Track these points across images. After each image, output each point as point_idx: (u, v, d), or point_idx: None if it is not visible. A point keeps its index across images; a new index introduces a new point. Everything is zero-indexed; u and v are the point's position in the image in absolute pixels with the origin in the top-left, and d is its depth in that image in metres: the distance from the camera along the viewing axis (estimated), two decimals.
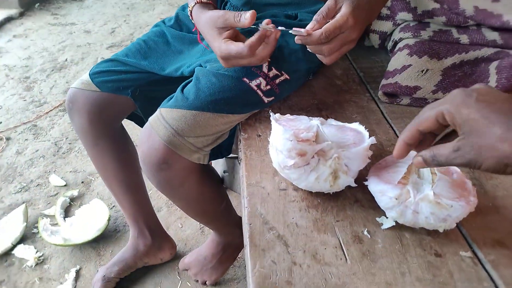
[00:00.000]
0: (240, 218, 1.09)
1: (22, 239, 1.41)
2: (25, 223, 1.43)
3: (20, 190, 1.62)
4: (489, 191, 0.62)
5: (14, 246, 1.37)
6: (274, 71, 0.77)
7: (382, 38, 0.96)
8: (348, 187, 0.58)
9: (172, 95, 0.77)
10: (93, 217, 1.44)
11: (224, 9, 0.95)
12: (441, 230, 0.53)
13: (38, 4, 3.47)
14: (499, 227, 0.56)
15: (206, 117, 0.72)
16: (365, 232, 0.55)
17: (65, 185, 1.64)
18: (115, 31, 3.05)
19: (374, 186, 0.56)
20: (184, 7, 1.01)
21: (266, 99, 0.77)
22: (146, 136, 0.74)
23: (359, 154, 0.56)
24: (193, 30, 0.93)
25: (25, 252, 1.35)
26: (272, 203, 0.60)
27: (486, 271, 0.50)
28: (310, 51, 0.67)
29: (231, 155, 0.96)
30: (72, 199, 1.58)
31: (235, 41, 0.68)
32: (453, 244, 0.54)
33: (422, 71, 0.81)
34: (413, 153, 0.56)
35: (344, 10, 0.62)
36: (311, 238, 0.54)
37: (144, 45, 0.94)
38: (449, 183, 0.54)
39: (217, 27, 0.69)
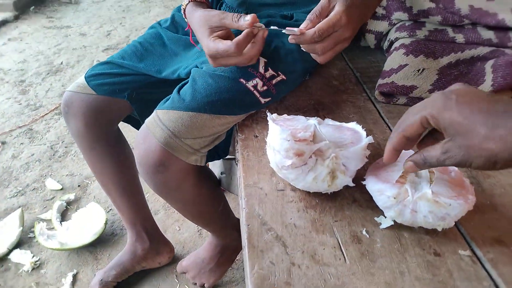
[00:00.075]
0: (238, 220, 1.09)
1: (18, 244, 1.40)
2: (21, 228, 1.42)
3: (16, 194, 1.61)
4: (487, 189, 0.62)
5: (10, 251, 1.36)
6: (270, 72, 0.77)
7: (378, 38, 0.96)
8: (346, 187, 0.58)
9: (168, 96, 0.77)
10: (90, 220, 1.43)
11: (219, 9, 0.95)
12: (439, 229, 0.53)
13: (33, 7, 3.46)
14: (498, 225, 0.56)
15: (203, 119, 0.71)
16: (364, 232, 0.55)
17: (61, 189, 1.64)
18: (111, 34, 3.04)
19: (372, 185, 0.56)
20: (179, 8, 1.00)
21: (263, 100, 0.77)
22: (143, 138, 0.74)
23: (357, 154, 0.56)
24: (186, 29, 0.93)
25: (22, 257, 1.34)
26: (270, 204, 0.59)
27: (485, 269, 0.50)
28: (304, 50, 0.67)
29: (228, 157, 0.96)
30: (69, 203, 1.57)
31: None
32: (452, 243, 0.54)
33: (418, 70, 0.81)
34: (409, 152, 0.56)
35: (338, 8, 0.62)
36: (310, 238, 0.54)
37: (140, 47, 0.94)
38: (447, 182, 0.53)
39: (211, 26, 0.69)
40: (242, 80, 0.74)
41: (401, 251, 0.52)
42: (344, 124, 0.65)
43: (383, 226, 0.55)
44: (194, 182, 0.82)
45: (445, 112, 0.43)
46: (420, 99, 0.82)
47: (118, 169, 1.07)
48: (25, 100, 2.20)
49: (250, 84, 0.75)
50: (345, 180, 0.56)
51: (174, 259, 1.34)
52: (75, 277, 1.30)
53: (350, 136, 0.61)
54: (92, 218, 1.44)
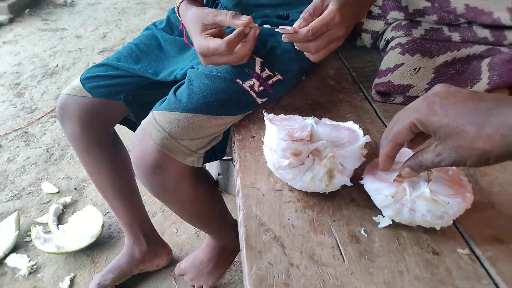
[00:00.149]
0: (236, 221, 1.09)
1: (15, 248, 1.39)
2: (17, 232, 1.41)
3: (11, 198, 1.60)
4: (485, 188, 0.62)
5: (6, 255, 1.35)
6: (267, 72, 0.76)
7: (374, 38, 0.96)
8: (344, 186, 0.58)
9: (164, 97, 0.76)
10: (87, 224, 1.42)
11: None
12: (438, 228, 0.53)
13: (28, 9, 3.45)
14: (496, 223, 0.56)
15: (199, 120, 0.71)
16: (362, 232, 0.55)
17: (57, 192, 1.63)
18: (107, 36, 3.03)
19: (370, 184, 0.56)
20: (175, 9, 1.00)
21: (259, 100, 0.76)
22: (139, 140, 0.73)
23: (354, 153, 0.56)
24: (179, 28, 0.93)
25: (18, 261, 1.33)
26: (268, 204, 0.59)
27: (484, 268, 0.50)
28: (297, 48, 0.67)
29: (225, 157, 0.95)
30: (65, 206, 1.56)
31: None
32: (450, 241, 0.53)
33: (414, 69, 0.81)
34: (405, 150, 0.56)
35: (331, 7, 0.62)
36: (308, 238, 0.54)
37: (136, 49, 0.93)
38: (445, 180, 0.53)
39: (204, 23, 0.69)
40: (238, 80, 0.74)
41: (400, 250, 0.52)
42: (341, 123, 0.65)
43: (381, 225, 0.55)
44: (191, 183, 0.82)
45: (432, 116, 0.45)
46: (416, 98, 0.81)
47: (114, 172, 1.06)
48: (21, 103, 2.19)
49: (246, 85, 0.74)
50: (342, 179, 0.56)
51: (172, 262, 1.33)
52: (72, 280, 1.29)
53: (347, 135, 0.60)
54: (89, 221, 1.43)
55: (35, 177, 1.70)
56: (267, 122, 0.59)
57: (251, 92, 0.75)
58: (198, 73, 0.75)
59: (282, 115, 0.65)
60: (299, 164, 0.55)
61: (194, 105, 0.71)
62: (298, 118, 0.64)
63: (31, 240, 1.39)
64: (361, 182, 0.57)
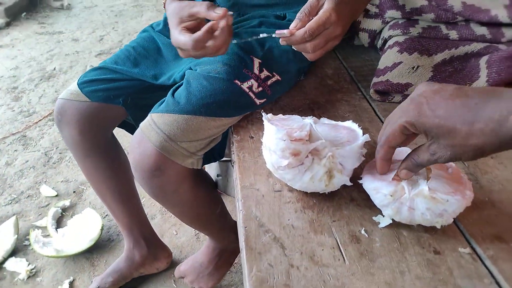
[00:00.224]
0: (235, 222, 1.08)
1: (14, 252, 1.38)
2: (16, 236, 1.40)
3: (10, 202, 1.59)
4: (485, 186, 0.62)
5: (5, 259, 1.34)
6: (265, 73, 0.76)
7: (372, 37, 0.96)
8: (344, 186, 0.58)
9: (163, 99, 0.76)
10: (86, 227, 1.41)
11: None
12: (438, 226, 0.52)
13: (25, 13, 3.44)
14: (497, 222, 0.56)
15: (198, 121, 0.71)
16: (363, 232, 0.54)
17: (56, 196, 1.62)
18: (104, 39, 3.03)
19: (369, 183, 0.55)
20: None
21: (258, 101, 0.76)
22: (138, 143, 0.73)
23: (354, 152, 0.56)
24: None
25: (17, 265, 1.32)
26: (267, 205, 0.59)
27: (486, 266, 0.50)
28: (295, 49, 0.67)
29: (224, 159, 0.95)
30: (64, 210, 1.55)
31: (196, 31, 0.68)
32: (451, 240, 0.53)
33: (413, 68, 0.81)
34: (402, 149, 0.56)
35: (327, 6, 0.62)
36: (308, 239, 0.53)
37: (134, 51, 0.92)
38: (444, 178, 0.53)
39: (181, 16, 0.69)
40: (237, 81, 0.73)
41: (401, 250, 0.52)
42: (340, 123, 0.65)
43: (382, 225, 0.55)
44: (190, 185, 0.81)
45: (421, 118, 0.45)
46: None
47: (113, 176, 1.05)
48: (18, 107, 2.18)
49: (245, 86, 0.74)
50: (342, 179, 0.56)
51: (172, 264, 1.32)
52: (71, 284, 1.29)
53: (346, 134, 0.60)
54: (88, 224, 1.42)
55: (33, 180, 1.70)
56: (265, 122, 0.59)
57: (250, 93, 0.74)
58: (196, 75, 0.74)
59: (280, 115, 0.65)
60: (299, 164, 0.55)
61: (193, 106, 0.70)
62: (296, 118, 0.64)
63: (30, 244, 1.38)
64: (360, 181, 0.57)
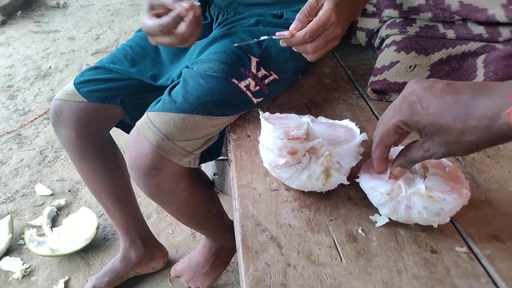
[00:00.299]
0: (232, 221, 1.08)
1: (8, 251, 1.37)
2: (11, 235, 1.39)
3: (5, 200, 1.58)
4: (482, 185, 0.62)
5: None
6: (262, 71, 0.76)
7: (369, 36, 0.95)
8: (341, 185, 0.58)
9: (159, 98, 0.75)
10: (81, 226, 1.41)
11: (208, 9, 0.94)
12: (435, 225, 0.52)
13: (20, 12, 3.42)
14: (494, 221, 0.55)
15: (195, 120, 0.70)
16: (360, 231, 0.54)
17: (51, 194, 1.61)
18: (100, 38, 3.01)
19: (365, 182, 0.55)
20: None
21: (255, 100, 0.76)
22: (134, 141, 0.72)
23: (351, 151, 0.55)
24: None
25: (11, 264, 1.32)
26: (264, 204, 0.58)
27: (483, 266, 0.50)
28: (295, 50, 0.67)
29: (220, 157, 0.95)
30: (59, 208, 1.55)
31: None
32: (448, 239, 0.53)
33: (410, 67, 0.81)
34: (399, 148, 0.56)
35: (326, 7, 0.62)
36: (305, 238, 0.53)
37: (131, 51, 0.91)
38: (441, 177, 0.53)
39: (152, 3, 0.70)
40: (234, 80, 0.73)
41: (398, 249, 0.52)
42: (337, 121, 0.64)
43: (379, 224, 0.55)
44: (187, 184, 0.81)
45: (414, 117, 0.45)
46: None
47: (110, 177, 1.04)
48: (13, 105, 2.17)
49: (242, 84, 0.74)
50: (339, 178, 0.56)
51: (168, 263, 1.32)
52: (67, 283, 1.28)
53: (344, 133, 0.60)
54: (83, 223, 1.41)
55: (28, 179, 1.68)
56: (263, 121, 0.59)
57: (247, 92, 0.74)
58: (193, 73, 0.74)
59: (277, 114, 0.65)
60: (296, 162, 0.54)
61: (190, 105, 0.70)
62: (294, 116, 0.64)
63: (24, 243, 1.37)
64: (357, 180, 0.57)
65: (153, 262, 1.25)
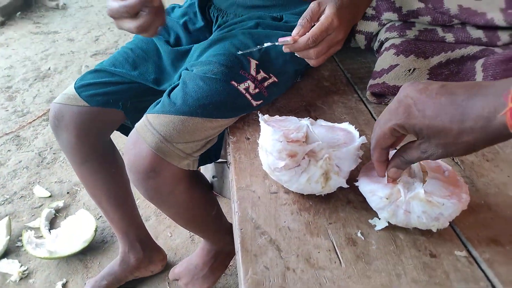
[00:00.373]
0: (231, 224, 1.07)
1: (6, 253, 1.36)
2: (9, 237, 1.39)
3: (3, 202, 1.57)
4: (481, 189, 0.62)
5: None
6: (262, 74, 0.76)
7: (368, 39, 0.96)
8: (340, 188, 0.57)
9: (158, 100, 0.75)
10: (80, 228, 1.40)
11: (208, 11, 0.94)
12: (434, 230, 0.52)
13: (20, 13, 3.42)
14: (493, 225, 0.55)
15: (194, 122, 0.70)
16: (359, 234, 0.54)
17: (50, 196, 1.60)
18: (99, 39, 3.01)
19: (365, 186, 0.55)
20: (168, 11, 0.99)
21: (254, 103, 0.76)
22: (133, 144, 0.72)
23: (350, 154, 0.55)
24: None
25: (9, 267, 1.31)
26: (263, 206, 0.58)
27: (482, 270, 0.50)
28: (298, 55, 0.67)
29: (219, 160, 0.94)
30: (57, 210, 1.54)
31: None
32: (448, 243, 0.53)
33: (409, 70, 0.81)
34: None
35: (328, 11, 0.62)
36: (304, 241, 0.53)
37: (132, 53, 0.90)
38: (441, 181, 0.53)
39: None
40: (233, 82, 0.73)
41: (397, 253, 0.52)
42: (336, 124, 0.64)
43: (378, 227, 0.55)
44: (186, 187, 0.81)
45: (411, 120, 0.45)
46: None
47: (110, 181, 1.03)
48: (12, 107, 2.17)
49: (241, 87, 0.74)
50: (338, 181, 0.56)
51: (166, 266, 1.31)
52: (64, 286, 1.27)
53: (343, 136, 0.60)
54: (81, 226, 1.41)
55: (27, 181, 1.68)
56: (262, 123, 0.58)
57: (246, 94, 0.74)
58: (193, 75, 0.74)
59: (277, 116, 0.65)
60: (295, 165, 0.54)
61: (189, 107, 0.70)
62: (293, 119, 0.64)
63: (22, 245, 1.37)
64: (356, 184, 0.57)
65: (151, 265, 1.25)
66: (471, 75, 0.78)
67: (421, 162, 0.55)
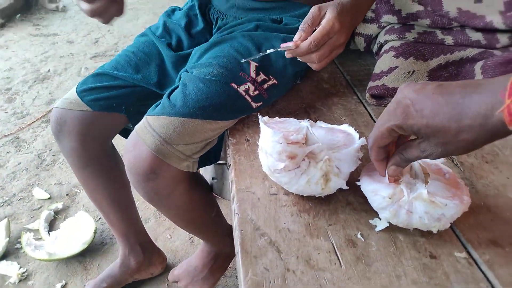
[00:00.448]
0: (231, 226, 1.07)
1: (5, 255, 1.36)
2: (8, 238, 1.38)
3: (2, 204, 1.57)
4: (481, 191, 0.62)
5: None
6: (262, 76, 0.76)
7: (368, 41, 0.96)
8: (340, 190, 0.58)
9: (158, 102, 0.75)
10: (79, 230, 1.40)
11: (208, 13, 0.94)
12: (435, 231, 0.52)
13: (19, 15, 3.42)
14: (492, 226, 0.56)
15: (194, 124, 0.70)
16: (359, 235, 0.54)
17: (49, 198, 1.60)
18: (99, 41, 3.01)
19: (367, 185, 0.55)
20: (168, 13, 0.99)
21: (254, 105, 0.76)
22: (133, 145, 0.72)
23: (350, 155, 0.56)
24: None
25: (8, 269, 1.31)
26: (263, 208, 0.58)
27: (482, 271, 0.50)
28: (300, 60, 0.67)
29: (219, 162, 0.94)
30: (57, 212, 1.54)
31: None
32: (447, 245, 0.53)
33: (408, 72, 0.81)
34: None
35: (329, 15, 0.62)
36: (304, 243, 0.53)
37: (134, 57, 0.90)
38: (443, 183, 0.53)
39: None
40: (233, 84, 0.73)
41: (397, 254, 0.52)
42: (336, 126, 0.65)
43: (378, 228, 0.55)
44: (186, 188, 0.81)
45: (409, 120, 0.45)
46: None
47: (111, 185, 1.03)
48: (11, 108, 2.16)
49: (241, 89, 0.74)
50: (338, 182, 0.56)
51: (166, 268, 1.31)
52: None
53: (343, 138, 0.60)
54: (81, 227, 1.41)
55: (26, 183, 1.68)
56: (262, 125, 0.59)
57: (246, 96, 0.74)
58: (192, 77, 0.74)
59: (276, 118, 0.65)
60: (295, 167, 0.54)
61: (189, 109, 0.70)
62: (293, 121, 0.64)
63: (21, 247, 1.36)
64: (358, 183, 0.57)
65: (151, 267, 1.25)
66: (470, 78, 0.78)
67: (422, 164, 0.56)
